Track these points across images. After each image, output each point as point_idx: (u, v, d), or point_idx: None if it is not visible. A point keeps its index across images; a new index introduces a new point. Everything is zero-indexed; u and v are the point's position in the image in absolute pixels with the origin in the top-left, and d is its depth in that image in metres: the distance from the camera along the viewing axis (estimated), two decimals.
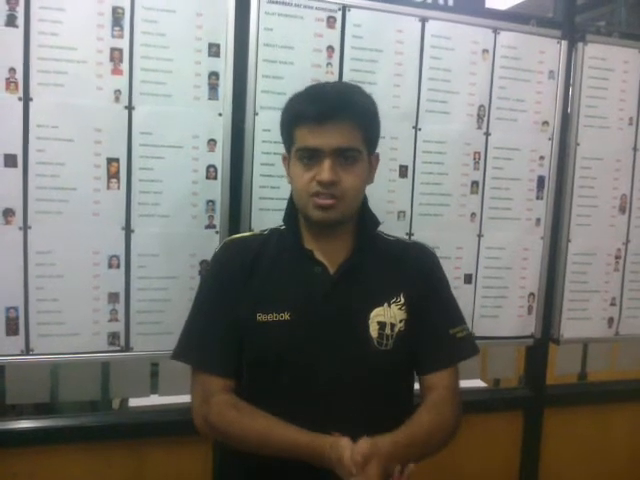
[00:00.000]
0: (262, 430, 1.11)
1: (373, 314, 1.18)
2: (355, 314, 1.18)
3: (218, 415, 1.15)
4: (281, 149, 1.56)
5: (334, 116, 1.10)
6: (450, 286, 1.33)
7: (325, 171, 1.11)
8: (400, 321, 1.19)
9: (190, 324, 1.24)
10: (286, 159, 1.24)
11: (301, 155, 1.14)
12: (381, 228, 1.31)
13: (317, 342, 1.15)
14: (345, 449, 1.02)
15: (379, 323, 1.18)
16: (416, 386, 1.29)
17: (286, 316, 1.16)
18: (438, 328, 1.25)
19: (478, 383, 2.15)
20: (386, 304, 1.20)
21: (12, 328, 1.45)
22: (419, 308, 1.22)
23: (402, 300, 1.21)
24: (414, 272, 1.25)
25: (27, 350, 1.46)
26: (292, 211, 1.25)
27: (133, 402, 1.96)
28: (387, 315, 1.19)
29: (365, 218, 1.25)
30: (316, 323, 1.16)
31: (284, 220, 1.27)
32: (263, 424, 1.11)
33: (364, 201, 1.24)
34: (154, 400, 1.69)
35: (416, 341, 1.23)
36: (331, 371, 1.14)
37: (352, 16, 1.63)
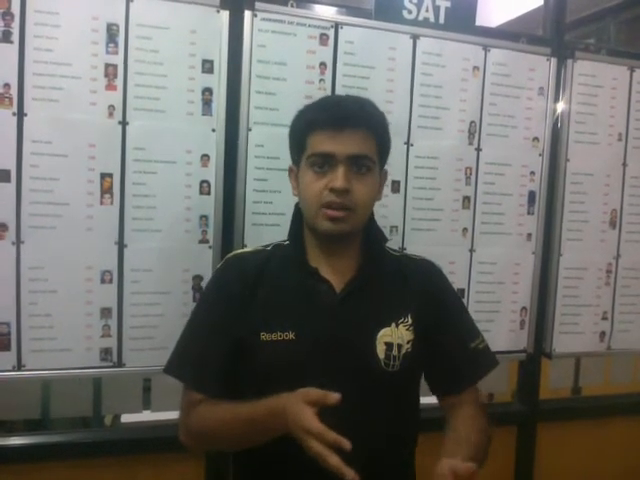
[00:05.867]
0: (223, 413, 1.09)
1: (380, 334, 1.15)
2: (362, 334, 1.15)
3: (190, 417, 1.14)
4: (274, 164, 1.60)
5: (350, 122, 1.08)
6: (460, 297, 1.31)
7: (339, 178, 1.07)
8: (407, 342, 1.16)
9: (183, 339, 1.21)
10: (293, 171, 1.20)
11: (313, 162, 1.11)
12: None
13: (322, 362, 1.11)
14: (298, 407, 0.96)
15: (386, 344, 1.14)
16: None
17: (291, 335, 1.12)
18: (458, 346, 1.23)
19: None
20: (393, 324, 1.16)
21: (4, 343, 1.44)
22: (430, 328, 1.19)
23: (409, 320, 1.17)
24: (421, 290, 1.22)
25: (19, 366, 1.45)
26: (297, 226, 1.21)
27: (125, 418, 1.95)
28: (394, 336, 1.15)
29: (372, 234, 1.22)
30: (321, 343, 1.12)
31: (289, 235, 1.23)
32: (224, 407, 1.09)
33: (371, 216, 1.21)
34: (147, 416, 1.68)
35: (435, 362, 1.22)
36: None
37: (344, 33, 1.65)
